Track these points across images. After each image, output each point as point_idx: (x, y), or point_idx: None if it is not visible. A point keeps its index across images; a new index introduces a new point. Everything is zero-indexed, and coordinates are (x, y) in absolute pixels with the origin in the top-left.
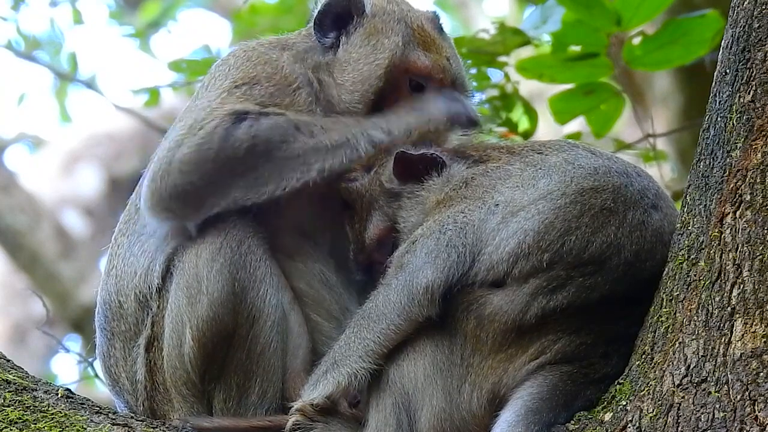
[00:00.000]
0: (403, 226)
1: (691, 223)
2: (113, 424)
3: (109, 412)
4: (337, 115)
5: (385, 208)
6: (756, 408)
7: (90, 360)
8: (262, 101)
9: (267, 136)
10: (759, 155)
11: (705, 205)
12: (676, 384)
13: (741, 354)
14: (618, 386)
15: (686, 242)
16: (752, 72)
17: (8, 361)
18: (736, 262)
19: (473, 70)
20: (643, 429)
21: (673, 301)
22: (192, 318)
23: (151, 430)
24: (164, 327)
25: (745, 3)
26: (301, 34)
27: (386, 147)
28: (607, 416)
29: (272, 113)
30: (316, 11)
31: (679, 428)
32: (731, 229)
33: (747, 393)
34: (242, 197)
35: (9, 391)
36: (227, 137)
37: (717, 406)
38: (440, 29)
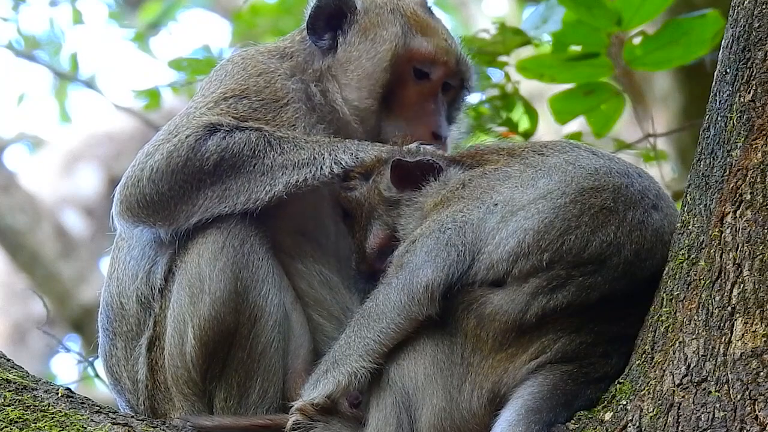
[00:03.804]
0: (403, 233)
1: (692, 222)
2: (113, 424)
3: (110, 412)
4: (333, 134)
5: (385, 217)
6: (756, 407)
7: (90, 360)
8: (243, 115)
9: (237, 150)
10: (759, 154)
11: (705, 204)
12: (676, 383)
13: (741, 353)
14: (618, 385)
15: (686, 242)
16: (752, 71)
17: (8, 360)
18: (737, 262)
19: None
20: (643, 428)
21: (673, 300)
22: (194, 317)
23: (152, 429)
24: (166, 326)
25: (746, 2)
26: (296, 39)
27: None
28: (608, 415)
29: (248, 128)
30: (307, 15)
31: (680, 428)
32: (731, 229)
33: (747, 392)
34: (215, 208)
35: (9, 391)
36: (197, 148)
37: (717, 405)
38: (430, 11)
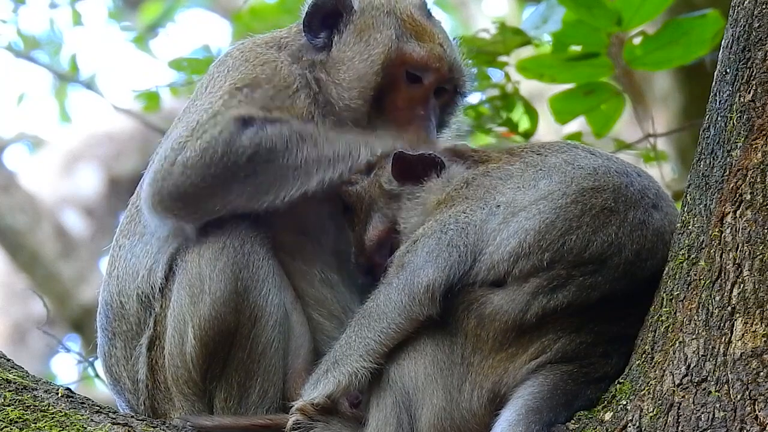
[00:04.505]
0: (404, 227)
1: (692, 222)
2: (113, 424)
3: (110, 412)
4: (338, 125)
5: (385, 210)
6: (756, 407)
7: (90, 360)
8: (264, 105)
9: (271, 145)
10: (759, 154)
11: (705, 204)
12: (676, 383)
13: (741, 353)
14: (618, 385)
15: (686, 242)
16: (752, 71)
17: (8, 360)
18: (737, 262)
19: (473, 70)
20: (643, 428)
21: (673, 300)
22: (194, 317)
23: (152, 429)
24: (166, 326)
25: (746, 2)
26: (292, 31)
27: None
28: (608, 415)
29: (277, 120)
30: (304, 13)
31: (680, 428)
32: (731, 229)
33: (747, 392)
34: (241, 204)
35: (9, 391)
36: (231, 143)
37: (717, 405)
38: (429, 14)
